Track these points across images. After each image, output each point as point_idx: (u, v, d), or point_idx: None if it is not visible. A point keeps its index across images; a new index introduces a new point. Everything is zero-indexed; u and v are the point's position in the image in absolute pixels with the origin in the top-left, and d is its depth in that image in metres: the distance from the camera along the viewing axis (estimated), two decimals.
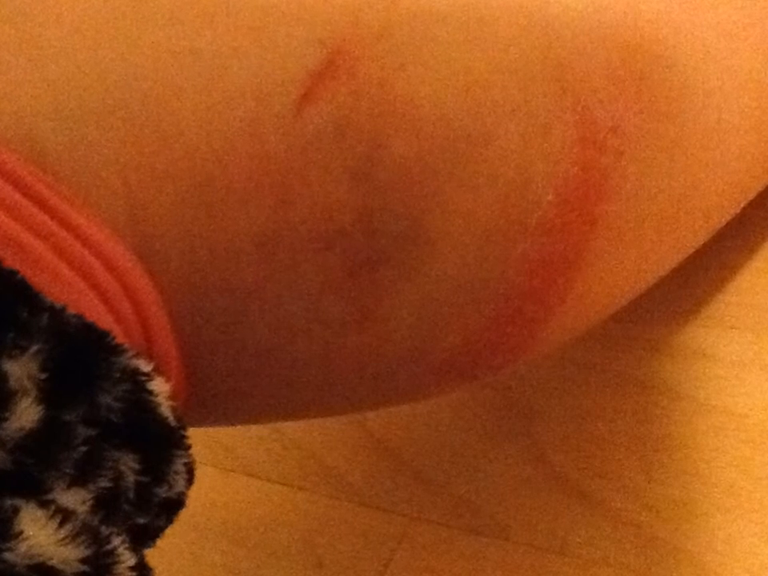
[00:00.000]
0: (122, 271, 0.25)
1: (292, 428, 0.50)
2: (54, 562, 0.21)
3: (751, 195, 0.39)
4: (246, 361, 0.28)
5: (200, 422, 0.30)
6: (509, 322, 0.30)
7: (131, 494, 0.24)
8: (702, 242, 0.38)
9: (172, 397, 0.25)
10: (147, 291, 0.25)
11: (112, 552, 0.22)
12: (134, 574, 0.23)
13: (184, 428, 0.25)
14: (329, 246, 0.27)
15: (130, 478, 0.24)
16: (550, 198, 0.29)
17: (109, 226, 0.25)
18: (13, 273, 0.22)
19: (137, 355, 0.24)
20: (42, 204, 0.23)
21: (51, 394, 0.22)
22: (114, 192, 0.25)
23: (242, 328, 0.27)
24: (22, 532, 0.21)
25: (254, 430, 0.51)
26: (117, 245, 0.25)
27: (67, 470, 0.23)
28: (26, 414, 0.22)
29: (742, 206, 0.39)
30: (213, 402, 0.29)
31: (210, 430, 0.40)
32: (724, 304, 0.43)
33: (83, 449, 0.23)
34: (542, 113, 0.28)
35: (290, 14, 0.26)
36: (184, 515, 0.26)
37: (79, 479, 0.23)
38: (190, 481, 0.26)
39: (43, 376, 0.22)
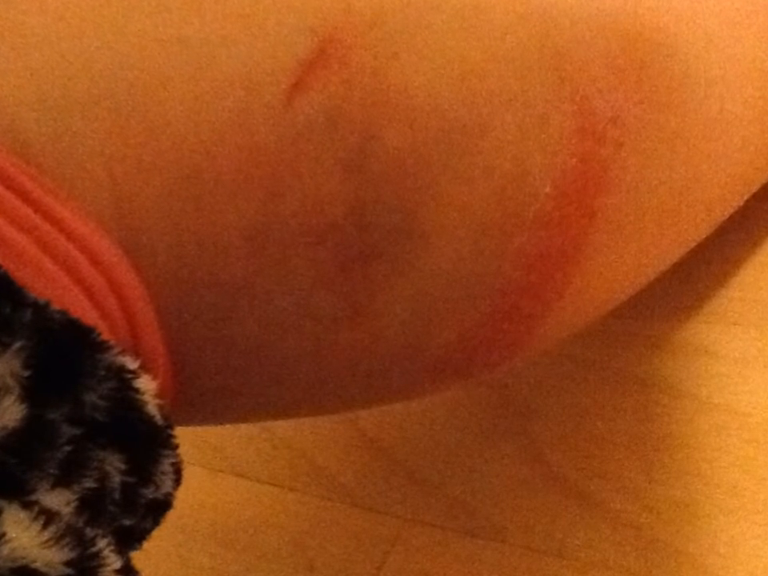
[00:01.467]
0: (107, 266, 0.25)
1: (282, 427, 0.50)
2: (37, 565, 0.21)
3: (754, 187, 0.40)
4: (235, 358, 0.28)
5: (188, 421, 0.30)
6: (505, 318, 0.30)
7: (117, 495, 0.24)
8: (704, 236, 0.38)
9: (159, 395, 0.25)
10: (133, 286, 0.25)
11: (97, 554, 0.22)
12: None
13: (171, 427, 0.25)
14: (320, 240, 0.27)
15: (116, 479, 0.24)
16: (547, 190, 0.29)
17: (94, 219, 0.25)
18: None
19: (123, 352, 0.24)
20: (25, 197, 0.23)
21: (34, 392, 0.22)
22: (100, 184, 0.25)
23: (231, 324, 0.27)
24: (4, 534, 0.21)
25: (243, 429, 0.51)
26: (102, 239, 0.25)
27: (51, 471, 0.23)
28: (9, 412, 0.22)
29: (745, 198, 0.39)
30: (201, 400, 0.29)
31: (198, 429, 0.40)
32: (727, 299, 0.43)
33: (67, 448, 0.23)
34: (539, 103, 0.28)
35: (281, 1, 0.26)
36: (171, 517, 0.26)
37: (63, 480, 0.23)
38: (177, 481, 0.26)
39: (26, 373, 0.22)
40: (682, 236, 0.36)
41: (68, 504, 0.23)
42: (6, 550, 0.21)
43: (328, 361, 0.29)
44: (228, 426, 0.48)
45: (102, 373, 0.23)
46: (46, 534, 0.22)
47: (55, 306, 0.23)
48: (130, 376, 0.24)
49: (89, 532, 0.23)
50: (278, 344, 0.28)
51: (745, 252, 0.44)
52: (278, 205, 0.26)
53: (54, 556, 0.22)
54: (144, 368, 0.25)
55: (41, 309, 0.23)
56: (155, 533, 0.26)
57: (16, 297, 0.22)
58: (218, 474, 0.50)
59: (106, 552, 0.23)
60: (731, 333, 0.42)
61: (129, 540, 0.25)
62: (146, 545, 0.26)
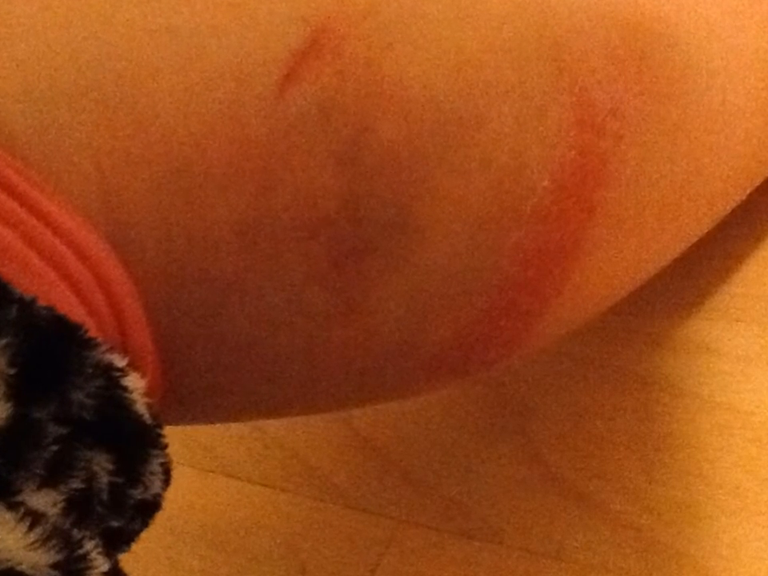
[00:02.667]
0: (94, 261, 0.25)
1: (274, 426, 0.50)
2: (23, 567, 0.21)
3: (757, 181, 0.40)
4: (226, 355, 0.28)
5: (177, 420, 0.30)
6: (502, 314, 0.30)
7: (105, 496, 0.24)
8: (706, 231, 0.38)
9: (148, 393, 0.25)
10: (122, 282, 0.25)
11: (84, 557, 0.23)
12: None
13: (160, 426, 0.25)
14: (313, 235, 0.27)
15: (104, 479, 0.24)
16: (545, 184, 0.29)
17: (81, 213, 0.25)
18: None
19: (111, 349, 0.24)
20: (10, 190, 0.23)
21: (20, 391, 0.22)
22: (87, 178, 0.25)
23: (222, 321, 0.27)
24: None
25: (234, 428, 0.51)
26: (89, 233, 0.25)
27: (37, 471, 0.23)
28: None
29: (747, 192, 0.39)
30: (191, 398, 0.29)
31: (188, 428, 0.40)
32: (729, 296, 0.43)
33: (54, 448, 0.23)
34: (537, 94, 0.28)
35: None
36: (160, 518, 0.26)
37: (50, 480, 0.23)
38: (166, 482, 0.26)
39: (12, 371, 0.22)
40: (683, 231, 0.36)
41: (55, 505, 0.23)
42: None
43: (321, 358, 0.29)
44: (218, 425, 0.48)
45: (90, 371, 0.23)
46: (32, 536, 0.22)
47: (42, 303, 0.23)
48: (117, 374, 0.24)
49: (76, 534, 0.23)
50: (270, 341, 0.28)
51: (747, 247, 0.44)
52: (270, 199, 0.26)
53: (40, 558, 0.22)
54: (132, 366, 0.25)
55: (27, 305, 0.22)
56: (144, 534, 0.26)
57: (1, 293, 0.22)
58: (208, 475, 0.50)
59: (93, 554, 0.23)
60: (733, 330, 0.43)
61: (117, 542, 0.25)
62: (134, 547, 0.26)
